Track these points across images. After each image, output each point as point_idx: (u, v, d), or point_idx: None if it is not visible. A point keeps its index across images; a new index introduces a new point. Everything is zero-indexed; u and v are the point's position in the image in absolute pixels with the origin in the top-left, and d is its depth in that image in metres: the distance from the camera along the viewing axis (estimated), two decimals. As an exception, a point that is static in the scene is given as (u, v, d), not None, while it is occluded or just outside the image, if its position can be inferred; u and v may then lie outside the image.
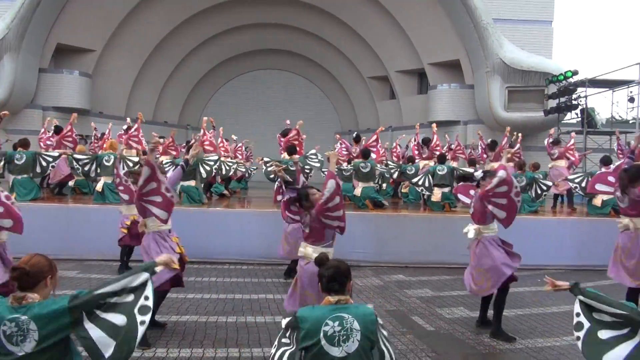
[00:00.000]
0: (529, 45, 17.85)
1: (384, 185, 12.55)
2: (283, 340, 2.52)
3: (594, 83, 15.47)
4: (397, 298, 6.53)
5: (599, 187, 6.20)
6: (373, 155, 10.68)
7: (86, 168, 9.72)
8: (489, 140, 12.73)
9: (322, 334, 2.36)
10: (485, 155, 12.49)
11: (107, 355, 2.47)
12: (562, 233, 8.82)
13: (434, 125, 11.94)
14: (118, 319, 2.53)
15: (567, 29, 50.44)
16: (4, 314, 2.30)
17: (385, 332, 2.59)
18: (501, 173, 4.82)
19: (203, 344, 4.65)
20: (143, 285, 2.60)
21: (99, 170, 9.63)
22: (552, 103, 16.20)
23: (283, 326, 2.54)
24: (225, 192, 12.16)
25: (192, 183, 9.91)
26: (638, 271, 5.01)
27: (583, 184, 9.55)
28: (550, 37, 18.77)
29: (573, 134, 11.78)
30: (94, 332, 2.48)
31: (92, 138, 13.17)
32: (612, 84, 15.41)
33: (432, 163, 10.94)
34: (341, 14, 21.00)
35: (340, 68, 24.10)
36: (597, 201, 9.57)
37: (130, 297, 2.55)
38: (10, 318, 2.29)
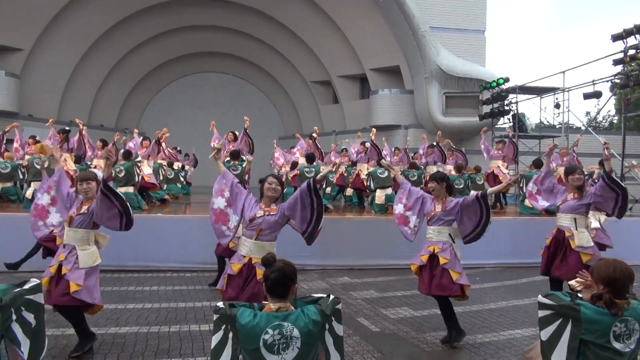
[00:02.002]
0: (464, 53, 18.65)
1: (328, 189, 12.66)
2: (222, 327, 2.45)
3: (524, 90, 16.35)
4: (343, 300, 6.58)
5: None
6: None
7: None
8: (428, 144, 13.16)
9: (261, 342, 2.35)
10: (425, 160, 12.86)
11: (25, 355, 2.57)
12: (497, 232, 9.22)
13: (373, 130, 12.16)
14: (30, 317, 2.66)
15: (500, 38, 53.15)
16: None
17: (338, 331, 2.57)
18: None
19: (144, 356, 4.47)
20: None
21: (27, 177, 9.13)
22: (487, 108, 16.97)
23: (217, 315, 2.45)
24: (167, 197, 11.81)
25: (130, 189, 9.55)
26: None
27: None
28: (484, 46, 19.68)
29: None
30: (17, 330, 2.55)
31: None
32: (540, 91, 16.34)
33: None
34: (284, 19, 21.03)
35: (283, 72, 24.10)
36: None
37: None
38: None
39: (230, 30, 22.37)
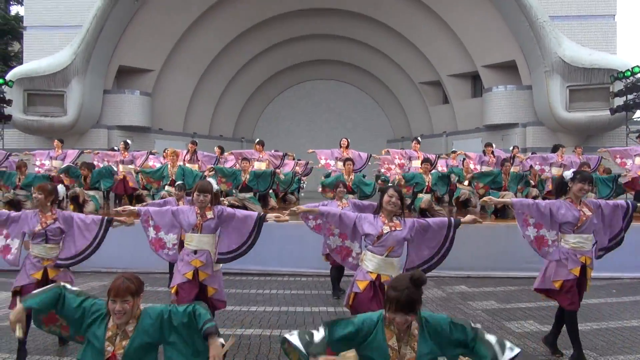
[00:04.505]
0: (591, 42, 17.03)
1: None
2: None
3: (666, 78, 14.50)
4: (462, 310, 6.34)
5: None
6: None
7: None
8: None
9: None
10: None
11: None
12: (636, 240, 8.24)
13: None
14: None
15: (633, 22, 47.60)
16: None
17: None
18: None
19: (269, 358, 4.69)
20: None
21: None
22: (619, 101, 15.34)
23: None
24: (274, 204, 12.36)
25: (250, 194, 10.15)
26: None
27: None
28: (614, 32, 17.81)
29: None
30: None
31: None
32: (686, 78, 14.38)
33: None
34: (389, 20, 20.85)
35: (390, 74, 23.89)
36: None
37: None
38: None
39: (336, 37, 22.71)
